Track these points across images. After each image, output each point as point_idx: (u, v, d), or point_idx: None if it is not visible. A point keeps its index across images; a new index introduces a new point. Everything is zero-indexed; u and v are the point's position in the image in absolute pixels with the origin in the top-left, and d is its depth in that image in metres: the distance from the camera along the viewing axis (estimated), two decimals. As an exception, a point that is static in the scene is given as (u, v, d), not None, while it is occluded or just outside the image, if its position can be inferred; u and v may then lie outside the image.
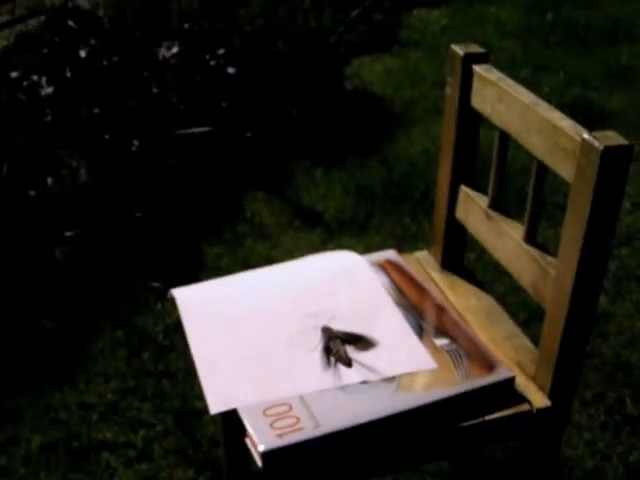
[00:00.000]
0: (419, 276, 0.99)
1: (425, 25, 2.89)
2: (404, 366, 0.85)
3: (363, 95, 2.36)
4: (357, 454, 0.80)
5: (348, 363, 0.84)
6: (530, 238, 0.88)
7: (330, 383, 0.82)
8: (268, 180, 1.96)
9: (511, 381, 0.83)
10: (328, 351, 0.86)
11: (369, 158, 2.04)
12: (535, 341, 0.90)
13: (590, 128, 0.75)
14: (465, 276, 1.04)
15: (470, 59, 0.92)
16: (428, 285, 0.97)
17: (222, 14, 1.93)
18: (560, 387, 0.83)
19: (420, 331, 0.90)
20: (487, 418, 0.82)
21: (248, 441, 0.77)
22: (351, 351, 0.86)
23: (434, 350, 0.87)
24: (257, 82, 1.98)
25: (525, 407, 0.83)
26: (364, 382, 0.82)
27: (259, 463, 0.75)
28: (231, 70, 1.91)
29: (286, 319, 0.91)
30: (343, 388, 0.81)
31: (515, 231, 0.90)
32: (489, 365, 0.85)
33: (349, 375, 0.84)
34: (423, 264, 1.04)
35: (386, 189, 1.92)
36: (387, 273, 0.99)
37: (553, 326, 0.81)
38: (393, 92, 2.39)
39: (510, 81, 0.88)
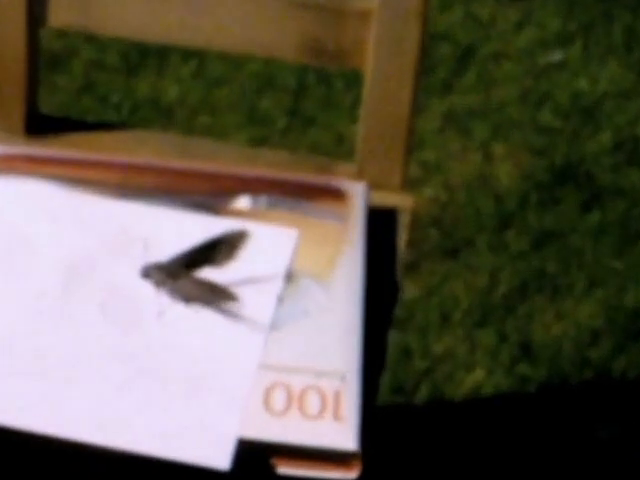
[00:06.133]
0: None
1: None
2: (285, 251, 0.86)
3: None
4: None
5: (234, 297, 0.80)
6: None
7: (262, 336, 0.78)
8: None
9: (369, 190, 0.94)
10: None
11: None
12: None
13: None
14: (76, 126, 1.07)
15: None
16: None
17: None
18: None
19: (208, 209, 0.89)
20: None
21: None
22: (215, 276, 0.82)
23: (262, 218, 0.88)
24: None
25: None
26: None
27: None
28: None
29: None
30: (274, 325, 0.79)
31: None
32: (335, 191, 0.92)
33: (261, 306, 0.80)
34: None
35: None
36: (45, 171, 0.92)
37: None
38: None
39: None
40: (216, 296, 0.80)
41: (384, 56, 0.96)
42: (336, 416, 0.72)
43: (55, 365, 0.74)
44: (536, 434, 1.52)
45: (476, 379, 1.58)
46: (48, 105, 1.55)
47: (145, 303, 0.79)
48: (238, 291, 0.80)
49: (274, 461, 0.71)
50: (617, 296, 1.71)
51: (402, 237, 0.96)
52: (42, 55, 1.07)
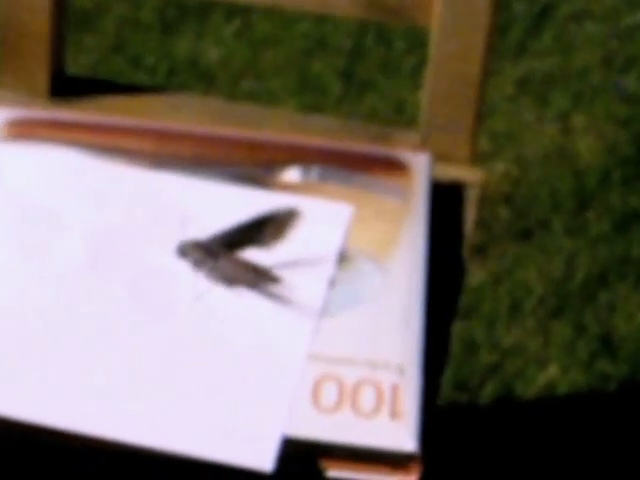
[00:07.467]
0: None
1: None
2: (339, 228, 0.85)
3: None
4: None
5: (281, 280, 0.80)
6: None
7: (312, 323, 0.78)
8: None
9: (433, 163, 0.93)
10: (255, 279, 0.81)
11: None
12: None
13: None
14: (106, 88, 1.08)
15: None
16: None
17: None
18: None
19: (253, 181, 0.89)
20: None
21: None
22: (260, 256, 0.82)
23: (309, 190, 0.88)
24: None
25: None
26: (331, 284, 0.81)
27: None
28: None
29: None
30: (325, 311, 0.78)
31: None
32: (395, 163, 0.92)
33: (311, 290, 0.79)
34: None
35: None
36: (71, 137, 0.92)
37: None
38: None
39: None
40: (261, 278, 0.80)
41: (453, 10, 0.95)
42: (393, 413, 0.71)
43: (77, 353, 0.74)
44: (617, 437, 1.51)
45: (549, 376, 1.57)
46: (75, 66, 1.56)
47: (181, 285, 0.79)
48: (286, 273, 0.80)
49: (323, 463, 0.70)
50: None
51: (469, 216, 0.96)
52: (69, 10, 1.07)
